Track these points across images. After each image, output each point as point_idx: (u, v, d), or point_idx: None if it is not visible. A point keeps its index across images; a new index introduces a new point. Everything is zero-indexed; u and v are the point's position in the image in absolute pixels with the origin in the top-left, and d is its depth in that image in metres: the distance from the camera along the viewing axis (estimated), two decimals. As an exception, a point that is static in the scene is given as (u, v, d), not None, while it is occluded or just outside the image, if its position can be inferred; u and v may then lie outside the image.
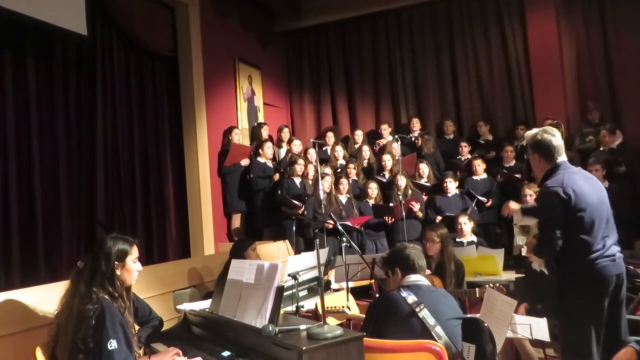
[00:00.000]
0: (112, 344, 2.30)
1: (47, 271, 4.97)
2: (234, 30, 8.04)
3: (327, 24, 9.15)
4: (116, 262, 2.51)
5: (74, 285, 2.48)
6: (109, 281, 2.45)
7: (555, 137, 3.06)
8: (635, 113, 7.29)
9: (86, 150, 5.68)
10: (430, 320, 2.58)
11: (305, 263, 3.99)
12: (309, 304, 3.90)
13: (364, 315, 2.97)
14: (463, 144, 7.63)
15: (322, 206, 6.20)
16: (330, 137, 8.24)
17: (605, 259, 2.90)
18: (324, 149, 7.98)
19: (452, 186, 6.60)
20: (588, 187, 2.96)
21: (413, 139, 8.13)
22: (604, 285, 2.90)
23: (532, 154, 3.15)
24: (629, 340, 2.62)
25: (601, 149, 6.75)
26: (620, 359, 2.52)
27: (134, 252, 2.59)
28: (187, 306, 3.27)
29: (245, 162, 7.13)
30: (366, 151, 7.82)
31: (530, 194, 5.67)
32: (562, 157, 3.06)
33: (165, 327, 3.28)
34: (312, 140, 6.84)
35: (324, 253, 4.65)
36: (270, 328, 2.32)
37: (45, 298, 3.05)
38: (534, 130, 3.17)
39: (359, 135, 8.32)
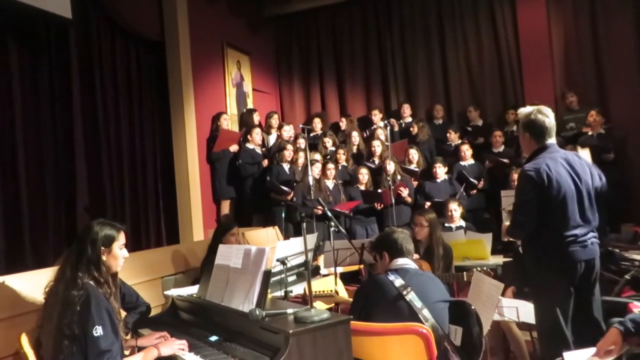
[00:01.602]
0: (98, 331, 2.28)
1: (33, 259, 4.92)
2: (222, 15, 7.95)
3: (317, 8, 9.05)
4: (102, 248, 2.48)
5: (61, 270, 2.46)
6: (95, 266, 2.43)
7: (549, 119, 3.04)
8: (622, 99, 7.32)
9: (72, 137, 5.61)
10: (417, 303, 2.60)
11: (294, 248, 3.98)
12: (297, 289, 3.91)
13: (352, 300, 2.98)
14: (451, 130, 7.63)
15: (311, 192, 6.20)
16: (318, 123, 8.21)
17: (575, 245, 2.90)
18: (312, 134, 7.95)
19: (441, 172, 6.61)
20: (567, 172, 2.94)
21: (404, 124, 8.13)
22: (572, 271, 2.92)
23: (522, 133, 3.12)
24: (612, 322, 2.65)
25: (589, 133, 6.78)
26: (606, 342, 2.55)
27: (121, 238, 2.57)
28: (174, 292, 3.26)
29: (234, 148, 7.09)
30: (355, 137, 7.81)
31: (519, 178, 5.71)
32: (552, 140, 3.05)
33: (153, 313, 3.28)
34: (301, 125, 6.82)
35: (312, 238, 4.65)
36: (257, 312, 2.32)
37: (32, 284, 3.04)
38: (529, 109, 3.12)
39: (343, 122, 8.33)
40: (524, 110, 3.16)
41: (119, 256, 2.56)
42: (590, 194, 3.00)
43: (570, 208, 2.91)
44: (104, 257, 2.49)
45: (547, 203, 2.90)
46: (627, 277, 3.74)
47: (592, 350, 2.55)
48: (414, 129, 7.81)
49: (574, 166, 3.00)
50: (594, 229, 3.01)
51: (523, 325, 3.63)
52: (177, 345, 2.54)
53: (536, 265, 3.01)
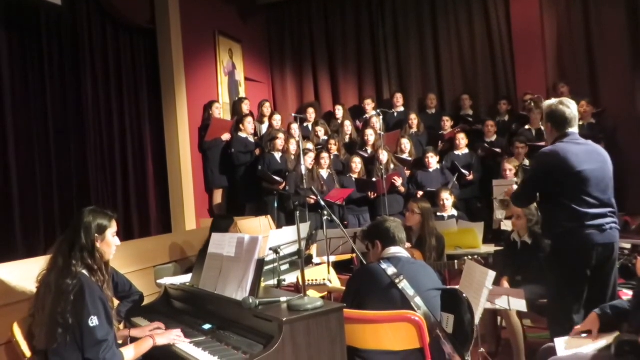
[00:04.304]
0: (94, 321, 2.26)
1: (24, 248, 4.90)
2: (214, 3, 7.87)
3: (309, -4, 9.03)
4: (96, 235, 2.46)
5: (53, 259, 2.45)
6: (89, 254, 2.41)
7: (570, 109, 3.13)
8: (613, 89, 7.35)
9: (62, 125, 5.56)
10: (410, 291, 2.61)
11: (287, 237, 4.00)
12: (290, 278, 3.93)
13: (344, 288, 2.99)
14: (445, 118, 7.63)
15: (304, 181, 6.19)
16: (311, 114, 8.17)
17: (591, 228, 2.96)
18: (305, 125, 7.92)
19: (433, 161, 6.63)
20: (583, 157, 3.01)
21: (396, 114, 8.13)
22: (586, 254, 2.96)
23: (546, 123, 3.25)
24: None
25: (580, 123, 6.80)
26: (584, 326, 2.62)
27: (114, 225, 2.56)
28: (167, 280, 3.26)
29: (226, 136, 7.06)
30: (348, 126, 7.80)
31: (510, 168, 5.75)
32: (573, 129, 3.13)
33: (146, 302, 3.27)
34: (294, 114, 6.79)
35: (305, 227, 4.66)
36: (251, 300, 2.32)
37: (24, 274, 3.02)
38: (552, 101, 3.25)
39: (339, 110, 8.30)
40: (547, 102, 3.30)
41: (112, 244, 2.54)
42: (607, 180, 3.07)
43: (585, 190, 2.97)
44: (98, 245, 2.47)
45: (561, 184, 2.99)
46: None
47: (583, 337, 2.60)
48: (412, 124, 7.71)
49: (592, 152, 3.09)
50: (614, 215, 3.06)
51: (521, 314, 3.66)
52: (173, 335, 2.54)
53: (554, 247, 3.10)
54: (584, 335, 2.63)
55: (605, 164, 3.10)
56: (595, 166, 3.03)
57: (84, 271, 2.39)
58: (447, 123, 7.57)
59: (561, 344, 2.59)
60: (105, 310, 2.34)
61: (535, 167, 3.23)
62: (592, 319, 2.64)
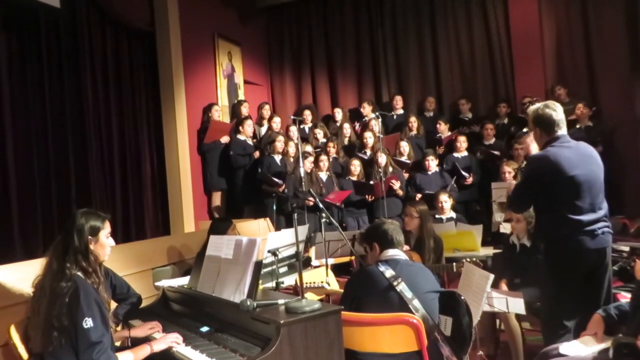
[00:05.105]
0: (88, 322, 2.26)
1: (22, 250, 4.89)
2: (213, 5, 7.88)
3: (309, -1, 9.04)
4: (89, 237, 2.45)
5: (48, 263, 2.44)
6: (83, 256, 2.41)
7: (556, 112, 3.11)
8: (612, 91, 7.36)
9: (61, 127, 5.55)
10: (408, 294, 2.61)
11: (285, 240, 3.98)
12: (289, 280, 3.91)
13: (343, 291, 2.99)
14: (440, 121, 7.64)
15: (303, 184, 6.19)
16: (308, 116, 8.17)
17: (583, 233, 2.94)
18: (302, 127, 7.92)
19: (433, 164, 6.63)
20: (575, 161, 2.99)
21: (395, 116, 8.14)
22: (578, 260, 2.96)
23: (534, 129, 3.21)
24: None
25: (577, 126, 6.83)
26: (590, 329, 2.61)
27: (107, 226, 2.55)
28: (165, 283, 3.26)
29: (225, 139, 7.06)
30: (347, 129, 7.80)
31: (509, 171, 5.74)
32: (562, 131, 3.11)
33: (144, 304, 3.27)
34: (292, 117, 6.79)
35: (304, 230, 4.66)
36: (249, 303, 2.32)
37: (22, 275, 3.01)
38: (536, 105, 3.22)
39: (339, 112, 8.30)
40: (532, 107, 3.26)
41: (106, 245, 2.53)
42: (599, 183, 3.05)
43: (578, 195, 2.96)
44: (91, 247, 2.46)
45: (553, 189, 2.97)
46: (615, 268, 3.79)
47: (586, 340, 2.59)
48: (412, 127, 7.72)
49: (584, 155, 3.07)
50: (606, 219, 3.05)
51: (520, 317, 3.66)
52: (170, 339, 2.53)
53: (545, 254, 3.10)
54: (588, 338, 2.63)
55: (597, 167, 3.08)
56: (587, 170, 3.00)
57: (79, 273, 2.38)
58: (442, 126, 7.57)
59: (567, 349, 2.58)
60: (100, 312, 2.33)
61: (527, 172, 3.17)
62: (596, 321, 2.63)
